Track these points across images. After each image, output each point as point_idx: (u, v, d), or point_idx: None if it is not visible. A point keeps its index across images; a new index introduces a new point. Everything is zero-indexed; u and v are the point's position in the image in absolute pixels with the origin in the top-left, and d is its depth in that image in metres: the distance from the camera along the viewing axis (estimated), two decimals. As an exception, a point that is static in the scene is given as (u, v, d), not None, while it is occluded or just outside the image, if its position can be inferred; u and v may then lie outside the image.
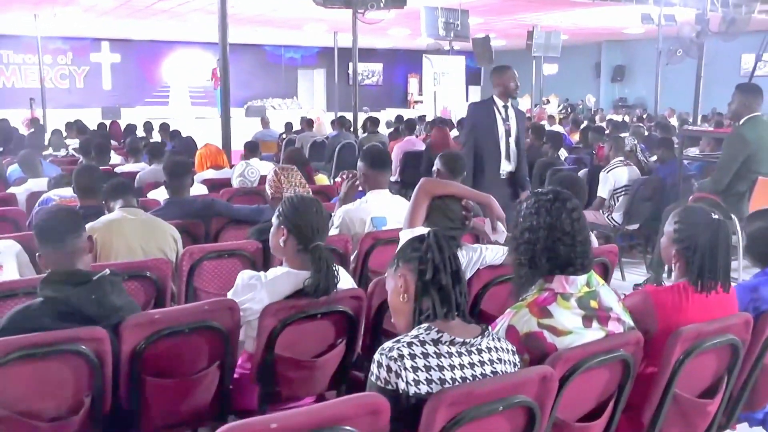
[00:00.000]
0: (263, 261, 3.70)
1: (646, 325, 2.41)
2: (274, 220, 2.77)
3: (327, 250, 2.66)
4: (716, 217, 2.46)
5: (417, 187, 3.04)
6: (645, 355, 2.38)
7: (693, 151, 6.98)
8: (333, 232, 3.90)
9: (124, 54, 22.46)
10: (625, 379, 2.34)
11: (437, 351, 1.90)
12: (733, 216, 4.79)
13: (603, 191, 6.26)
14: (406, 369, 1.85)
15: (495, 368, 1.97)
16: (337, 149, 10.10)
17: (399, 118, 12.91)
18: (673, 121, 14.56)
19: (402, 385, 1.84)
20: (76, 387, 2.38)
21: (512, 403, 1.92)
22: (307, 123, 11.85)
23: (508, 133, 5.29)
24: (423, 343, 1.90)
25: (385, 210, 4.04)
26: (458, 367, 1.91)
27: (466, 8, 13.93)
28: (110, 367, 2.41)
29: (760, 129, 5.02)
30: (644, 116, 17.36)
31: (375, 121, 10.97)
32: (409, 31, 19.70)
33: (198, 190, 5.32)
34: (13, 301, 3.05)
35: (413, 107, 25.36)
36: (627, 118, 16.15)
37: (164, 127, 10.08)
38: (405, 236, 2.94)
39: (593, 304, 2.26)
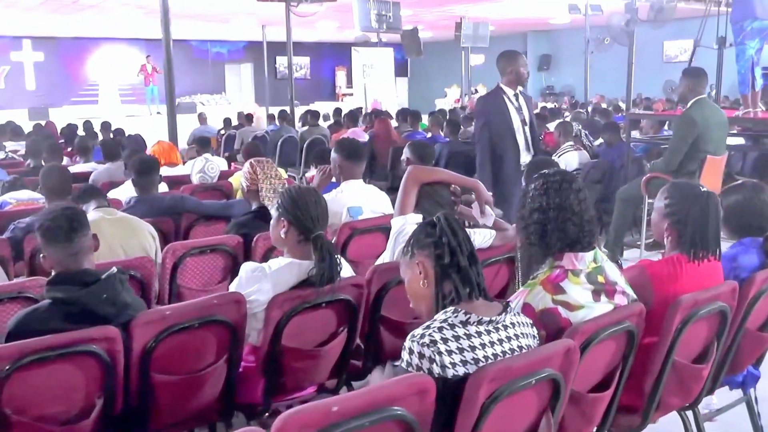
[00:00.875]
0: (244, 255, 3.68)
1: (643, 297, 2.51)
2: (274, 213, 2.76)
3: (328, 240, 2.67)
4: (704, 189, 2.60)
5: (405, 174, 3.09)
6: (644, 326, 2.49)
7: (634, 134, 7.25)
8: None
9: (48, 52, 21.56)
10: (629, 349, 2.44)
11: (467, 332, 1.94)
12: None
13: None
14: (441, 354, 1.87)
15: (520, 343, 2.03)
16: (279, 143, 10.05)
17: (338, 110, 12.91)
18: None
19: (436, 370, 1.87)
20: (87, 388, 2.33)
21: (542, 376, 1.99)
22: (246, 118, 11.72)
23: (524, 123, 5.02)
24: (452, 326, 1.94)
25: (361, 199, 4.08)
26: (488, 345, 1.96)
27: (397, 0, 13.99)
28: (122, 367, 2.38)
29: (706, 111, 5.28)
30: (573, 103, 17.83)
31: (315, 114, 10.96)
32: (337, 24, 19.67)
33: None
34: None
35: (341, 100, 25.35)
36: (555, 105, 16.56)
37: (106, 126, 9.77)
38: (397, 223, 2.99)
39: (600, 278, 2.36)
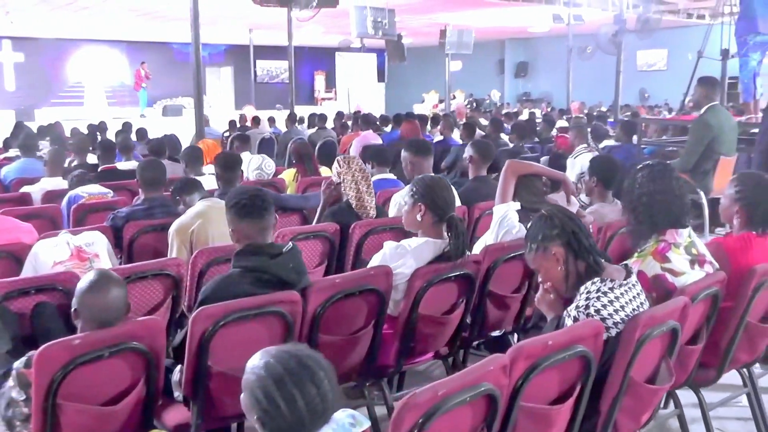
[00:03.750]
0: (340, 240, 4.09)
1: (721, 268, 3.03)
2: (408, 200, 3.18)
3: (459, 220, 3.12)
4: (768, 176, 3.13)
5: (504, 168, 3.57)
6: (722, 293, 2.99)
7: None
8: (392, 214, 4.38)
9: (28, 53, 21.58)
10: (712, 310, 2.94)
11: (616, 295, 2.40)
12: (699, 191, 5.61)
13: (571, 176, 6.95)
14: (605, 319, 2.33)
15: (642, 298, 2.51)
16: (289, 145, 10.43)
17: (340, 114, 13.33)
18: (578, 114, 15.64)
19: None
20: (271, 345, 2.73)
21: (670, 326, 2.48)
22: (254, 120, 12.07)
23: None
24: (605, 293, 2.39)
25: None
26: (630, 302, 2.43)
27: (392, 7, 14.49)
28: (299, 326, 2.79)
29: (720, 116, 5.88)
30: (549, 110, 18.49)
31: (323, 118, 11.37)
32: (323, 29, 20.05)
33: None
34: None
35: (320, 104, 25.72)
36: (538, 112, 17.20)
37: (103, 126, 10.10)
38: (500, 210, 3.47)
39: (694, 250, 2.88)
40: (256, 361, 1.59)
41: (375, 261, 3.13)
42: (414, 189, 3.17)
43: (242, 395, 1.60)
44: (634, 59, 19.90)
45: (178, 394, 2.81)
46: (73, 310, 2.40)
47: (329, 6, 13.24)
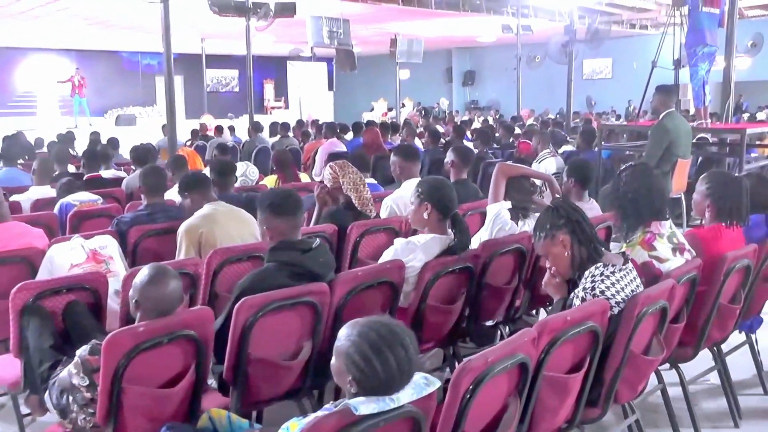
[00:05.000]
0: (338, 241, 4.34)
1: (696, 256, 3.39)
2: (415, 200, 3.46)
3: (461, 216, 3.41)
4: (737, 175, 3.52)
5: (495, 170, 3.89)
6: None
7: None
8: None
9: (-28, 62, 21.22)
10: (691, 293, 3.31)
11: (618, 278, 2.72)
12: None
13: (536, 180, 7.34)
14: (608, 299, 2.64)
15: (638, 281, 2.85)
16: (254, 153, 10.62)
17: (300, 122, 13.55)
18: (531, 121, 16.19)
19: None
20: (301, 333, 2.97)
21: (661, 304, 2.82)
22: (217, 129, 12.20)
23: None
24: (608, 276, 2.71)
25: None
26: (629, 284, 2.76)
27: (347, 18, 14.78)
28: (327, 316, 3.04)
29: (677, 121, 6.35)
30: (498, 117, 19.02)
31: (286, 126, 11.59)
32: (274, 38, 20.21)
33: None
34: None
35: (270, 113, 25.82)
36: (490, 119, 17.69)
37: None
38: (494, 209, 3.79)
39: (675, 240, 3.24)
40: (348, 331, 1.83)
41: (387, 256, 3.39)
42: (420, 190, 3.45)
43: (333, 361, 1.85)
44: (580, 68, 20.68)
45: (211, 381, 3.03)
46: (133, 301, 2.60)
47: (287, 16, 13.47)
